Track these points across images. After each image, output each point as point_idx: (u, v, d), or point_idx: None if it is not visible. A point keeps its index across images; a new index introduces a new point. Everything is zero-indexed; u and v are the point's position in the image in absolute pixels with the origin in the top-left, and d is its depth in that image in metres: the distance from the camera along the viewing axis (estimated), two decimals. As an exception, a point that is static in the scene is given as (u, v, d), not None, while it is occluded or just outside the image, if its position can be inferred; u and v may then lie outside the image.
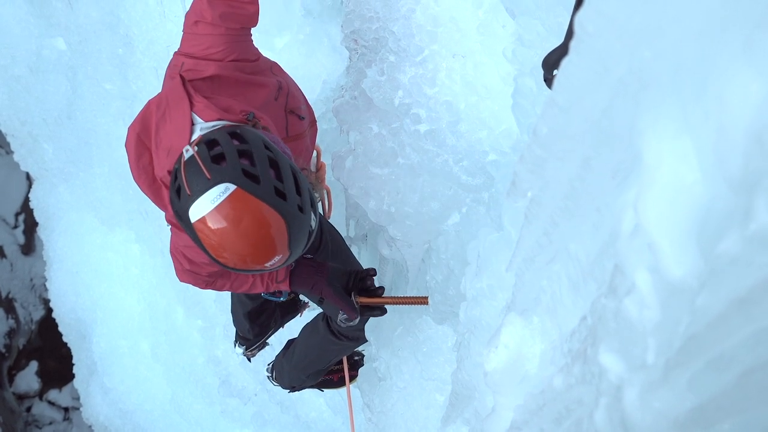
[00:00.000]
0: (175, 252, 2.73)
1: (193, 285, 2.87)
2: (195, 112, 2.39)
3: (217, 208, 2.08)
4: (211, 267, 2.66)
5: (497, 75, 2.97)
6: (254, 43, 2.82)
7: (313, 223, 2.27)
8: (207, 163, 2.11)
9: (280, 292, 3.19)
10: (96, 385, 7.29)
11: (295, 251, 2.24)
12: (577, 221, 1.30)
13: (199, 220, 2.11)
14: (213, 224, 2.09)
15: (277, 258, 2.19)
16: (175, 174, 2.20)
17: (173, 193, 2.20)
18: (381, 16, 3.22)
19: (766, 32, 0.74)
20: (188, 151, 2.17)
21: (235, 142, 2.17)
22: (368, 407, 3.77)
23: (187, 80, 2.48)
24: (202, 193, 2.09)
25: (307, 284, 3.03)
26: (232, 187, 2.08)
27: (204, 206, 2.09)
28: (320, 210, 3.51)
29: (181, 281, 2.86)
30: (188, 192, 2.11)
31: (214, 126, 2.35)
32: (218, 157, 2.13)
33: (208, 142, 2.18)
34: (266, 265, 2.20)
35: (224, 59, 2.59)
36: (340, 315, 3.18)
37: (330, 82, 4.35)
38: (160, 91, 2.57)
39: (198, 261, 2.64)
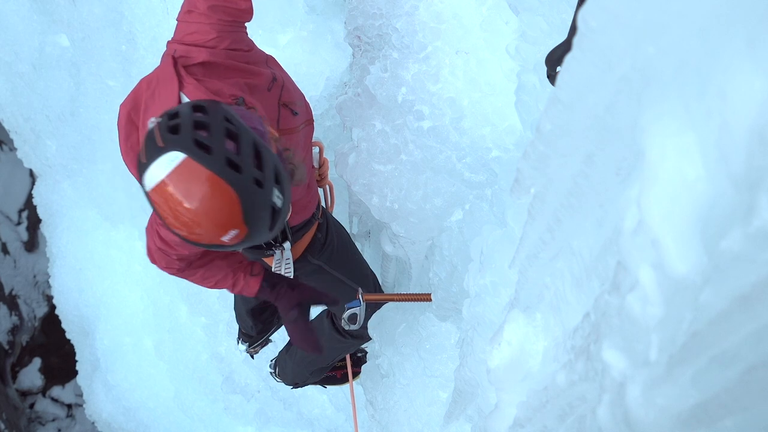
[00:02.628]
0: (151, 228, 2.69)
1: (163, 268, 2.81)
2: (184, 92, 2.37)
3: (168, 176, 2.02)
4: (181, 249, 2.63)
5: (500, 71, 2.97)
6: (256, 40, 2.81)
7: (278, 201, 2.14)
8: (163, 132, 2.06)
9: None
10: (99, 382, 7.29)
11: (255, 227, 2.13)
12: (581, 218, 1.31)
13: (152, 189, 2.05)
14: (164, 192, 2.04)
15: (232, 232, 2.09)
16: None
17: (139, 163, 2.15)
18: (384, 12, 3.22)
19: (769, 28, 0.74)
20: (152, 122, 2.12)
21: (197, 114, 2.11)
22: (371, 404, 3.78)
23: (180, 64, 2.46)
24: (154, 161, 2.03)
25: (290, 304, 2.94)
26: (181, 155, 2.02)
27: (156, 174, 2.03)
28: (323, 204, 3.50)
29: (151, 262, 2.80)
30: (144, 160, 2.07)
31: None
32: (175, 127, 2.08)
33: (171, 113, 2.13)
34: (223, 239, 2.10)
35: (216, 47, 2.57)
36: (344, 313, 3.17)
37: (333, 79, 4.35)
38: None
39: (169, 240, 2.60)
